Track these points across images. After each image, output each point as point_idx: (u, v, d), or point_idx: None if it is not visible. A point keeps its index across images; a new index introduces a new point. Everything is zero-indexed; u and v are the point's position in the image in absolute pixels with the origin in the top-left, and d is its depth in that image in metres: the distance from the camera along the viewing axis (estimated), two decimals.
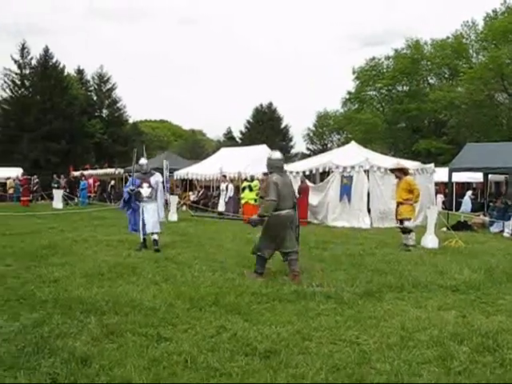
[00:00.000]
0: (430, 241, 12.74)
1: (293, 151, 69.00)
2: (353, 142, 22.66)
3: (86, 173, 36.46)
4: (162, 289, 7.35)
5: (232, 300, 6.72)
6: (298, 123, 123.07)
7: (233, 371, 4.34)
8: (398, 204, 12.71)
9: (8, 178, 37.11)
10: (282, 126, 68.64)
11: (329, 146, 73.19)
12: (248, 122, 67.79)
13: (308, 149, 73.56)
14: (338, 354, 4.80)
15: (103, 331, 5.27)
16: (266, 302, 6.73)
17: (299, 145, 75.06)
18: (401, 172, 13.06)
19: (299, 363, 4.55)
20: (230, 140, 67.56)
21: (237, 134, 70.16)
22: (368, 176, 18.74)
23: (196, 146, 74.66)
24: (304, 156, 62.42)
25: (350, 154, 20.39)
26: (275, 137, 60.93)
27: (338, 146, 65.38)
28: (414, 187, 12.62)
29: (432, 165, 21.70)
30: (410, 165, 20.77)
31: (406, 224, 12.50)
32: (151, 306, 6.34)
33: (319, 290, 7.45)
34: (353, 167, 18.81)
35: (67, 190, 31.61)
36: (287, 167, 21.79)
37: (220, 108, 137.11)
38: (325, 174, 19.91)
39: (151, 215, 11.46)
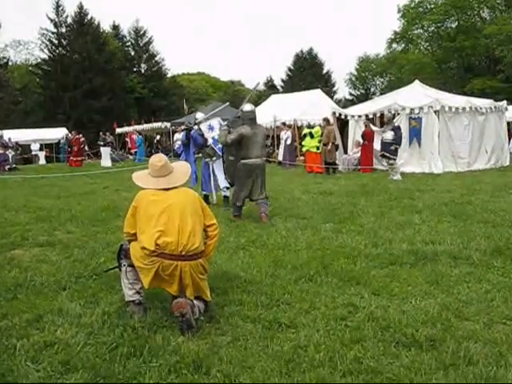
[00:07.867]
0: None
1: (336, 97, 66.74)
2: (416, 81, 20.87)
3: (129, 129, 35.63)
4: (252, 254, 6.23)
5: (343, 265, 5.57)
6: (340, 68, 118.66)
7: (401, 374, 3.17)
8: None
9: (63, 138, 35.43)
10: (324, 71, 66.34)
11: (372, 90, 70.99)
12: (289, 69, 65.64)
13: (351, 94, 71.13)
14: None
15: (204, 317, 4.15)
16: (384, 267, 5.57)
17: (342, 90, 72.35)
18: None
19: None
20: (270, 89, 65.42)
21: (278, 82, 68.24)
22: (438, 117, 17.21)
23: (236, 98, 72.81)
24: (347, 102, 60.51)
25: (416, 94, 18.79)
26: (317, 83, 58.49)
27: (382, 90, 63.15)
28: None
29: (504, 102, 19.97)
30: (481, 103, 19.17)
31: None
32: (249, 278, 5.21)
33: (441, 248, 6.24)
34: (421, 108, 17.29)
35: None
36: (347, 111, 20.51)
37: (258, 57, 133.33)
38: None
39: (221, 171, 10.26)
